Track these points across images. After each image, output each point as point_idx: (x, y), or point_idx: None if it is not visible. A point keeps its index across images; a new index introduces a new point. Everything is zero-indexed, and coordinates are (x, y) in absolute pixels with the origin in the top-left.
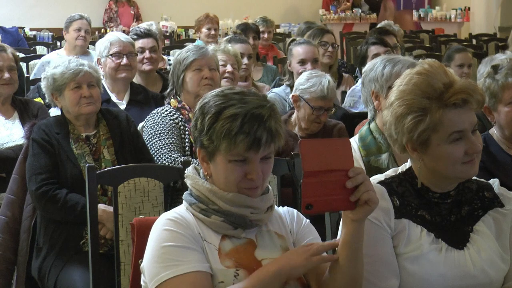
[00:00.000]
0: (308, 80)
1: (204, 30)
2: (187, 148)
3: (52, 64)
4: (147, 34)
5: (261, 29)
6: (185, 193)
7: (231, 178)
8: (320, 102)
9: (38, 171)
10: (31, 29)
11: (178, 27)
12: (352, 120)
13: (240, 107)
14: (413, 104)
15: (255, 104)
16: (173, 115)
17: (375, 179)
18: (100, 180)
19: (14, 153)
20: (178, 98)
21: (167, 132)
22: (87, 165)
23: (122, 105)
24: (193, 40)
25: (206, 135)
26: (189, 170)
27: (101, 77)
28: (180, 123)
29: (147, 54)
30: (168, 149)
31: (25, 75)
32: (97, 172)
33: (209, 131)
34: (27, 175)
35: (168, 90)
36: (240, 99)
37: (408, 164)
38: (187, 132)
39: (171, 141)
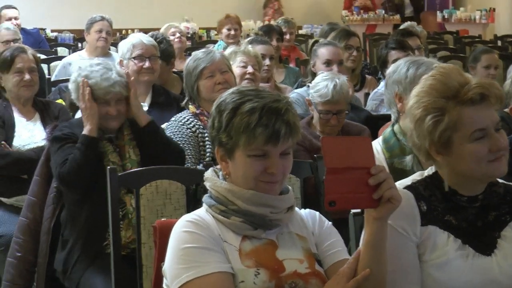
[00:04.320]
0: (317, 84)
1: (224, 30)
2: (207, 154)
3: (82, 67)
4: None
5: (283, 30)
6: (204, 195)
7: (250, 172)
8: (326, 106)
9: (62, 161)
10: (52, 31)
11: (200, 28)
12: (376, 123)
13: (257, 101)
14: (429, 105)
15: (271, 98)
16: (190, 123)
17: (401, 184)
18: (122, 183)
19: (36, 155)
20: (197, 104)
21: (183, 144)
22: (108, 167)
23: (144, 107)
24: (214, 42)
25: (224, 132)
26: (208, 173)
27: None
28: (197, 130)
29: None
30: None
31: (46, 76)
32: (119, 174)
33: (227, 127)
34: (53, 172)
35: (185, 101)
36: (256, 94)
37: (434, 167)
38: (206, 139)
39: (187, 153)
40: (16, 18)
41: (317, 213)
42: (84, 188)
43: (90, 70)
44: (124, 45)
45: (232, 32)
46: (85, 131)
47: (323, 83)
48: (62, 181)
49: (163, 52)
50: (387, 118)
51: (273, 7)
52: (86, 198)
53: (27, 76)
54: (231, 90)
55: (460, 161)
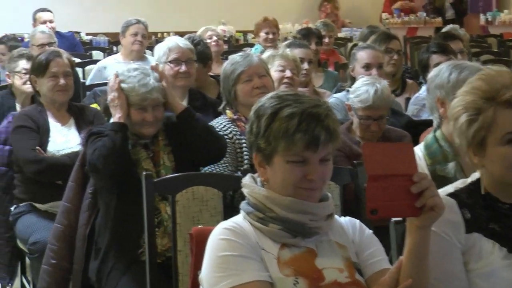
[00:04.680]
0: (357, 88)
1: (262, 34)
2: (245, 161)
3: (120, 72)
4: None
5: (322, 33)
6: (242, 202)
7: (289, 178)
8: (366, 112)
9: (93, 150)
10: (87, 34)
11: (236, 31)
12: (417, 128)
13: (296, 106)
14: (468, 104)
15: (311, 103)
16: (227, 129)
17: (444, 191)
18: (157, 189)
19: (70, 160)
20: (234, 109)
21: None
22: (144, 173)
23: None
24: (251, 45)
25: (263, 137)
26: (245, 179)
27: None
28: (234, 137)
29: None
30: (220, 169)
31: (81, 80)
32: (154, 180)
33: (266, 132)
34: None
35: (221, 106)
36: (295, 99)
37: (477, 174)
38: (243, 145)
39: (224, 160)
40: (51, 21)
41: (357, 221)
42: (113, 177)
43: (127, 75)
44: (160, 49)
45: (270, 35)
46: (114, 118)
47: (363, 88)
48: (92, 169)
49: (200, 54)
50: (428, 123)
51: (326, 10)
52: (120, 204)
53: (62, 81)
54: (270, 95)
55: (493, 164)
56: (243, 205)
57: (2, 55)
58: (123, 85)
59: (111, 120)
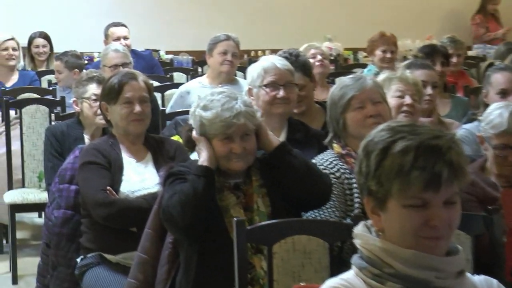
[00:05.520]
0: (488, 114)
1: (378, 52)
2: (356, 205)
3: (202, 97)
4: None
5: (448, 51)
6: (354, 256)
7: (407, 226)
8: (502, 139)
9: (170, 195)
10: (167, 52)
11: (345, 49)
12: None
13: (411, 138)
14: None
15: (430, 134)
16: (334, 166)
17: None
18: (250, 238)
19: (147, 203)
20: (342, 142)
21: None
22: (235, 219)
23: None
24: (363, 65)
25: (373, 178)
26: (358, 228)
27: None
28: (343, 176)
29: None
30: (326, 214)
31: (160, 108)
32: (248, 228)
33: (377, 171)
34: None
35: (328, 138)
36: (410, 130)
37: None
38: (354, 185)
39: (330, 204)
40: (125, 38)
41: (495, 281)
42: (191, 230)
43: (210, 99)
44: (254, 70)
45: (388, 54)
46: (200, 161)
47: (496, 112)
48: (166, 217)
49: (303, 65)
50: None
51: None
52: (204, 259)
53: (137, 108)
54: (381, 127)
55: None
56: (354, 259)
57: (59, 73)
58: (204, 113)
59: (198, 161)
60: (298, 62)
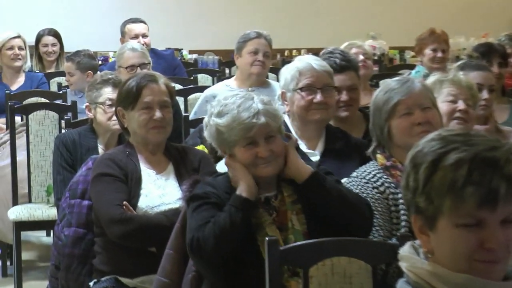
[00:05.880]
0: None
1: (427, 51)
2: (402, 223)
3: (214, 104)
4: (345, 67)
5: (507, 51)
6: (399, 280)
7: (460, 248)
8: None
9: (198, 224)
10: (190, 52)
11: (390, 48)
12: None
13: (465, 150)
14: None
15: (486, 145)
16: (377, 180)
17: None
18: (285, 260)
19: (168, 220)
20: (387, 152)
21: None
22: (267, 238)
23: (315, 157)
24: (411, 66)
25: (422, 194)
26: (404, 250)
27: (284, 116)
28: (387, 190)
29: (343, 96)
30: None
31: (183, 113)
32: (281, 248)
33: (426, 186)
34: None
35: (371, 148)
36: (464, 140)
37: None
38: (400, 201)
39: (373, 222)
40: (144, 36)
41: None
42: (219, 264)
43: (223, 104)
44: (287, 72)
45: (439, 53)
46: (238, 190)
47: None
48: (194, 250)
49: (355, 63)
50: None
51: None
52: (235, 282)
53: (157, 114)
54: (431, 136)
55: None
56: (400, 283)
57: (70, 75)
58: (220, 120)
59: (237, 191)
60: (347, 59)
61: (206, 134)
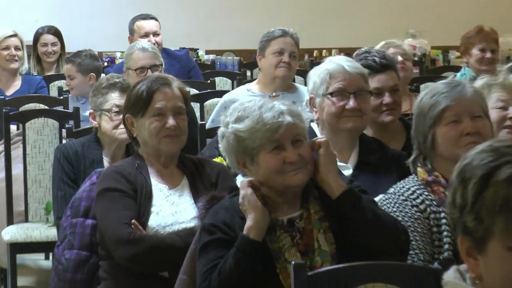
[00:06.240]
0: None
1: (475, 51)
2: (446, 246)
3: (228, 113)
4: (386, 66)
5: None
6: None
7: None
8: None
9: (205, 269)
10: (207, 52)
11: (432, 47)
12: None
13: None
14: None
15: None
16: (417, 197)
17: None
18: (312, 286)
19: (182, 241)
20: (429, 165)
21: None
22: (293, 262)
23: (347, 170)
24: (456, 68)
25: (470, 213)
26: (448, 275)
27: (313, 125)
28: (428, 209)
29: (386, 98)
30: (408, 257)
31: (199, 122)
32: (309, 274)
33: (475, 204)
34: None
35: (412, 157)
36: None
37: None
38: (443, 221)
39: (413, 245)
40: (156, 34)
41: None
42: None
43: (241, 109)
44: (316, 75)
45: (488, 54)
46: (246, 228)
47: None
48: None
49: (390, 61)
50: None
51: None
52: None
53: (170, 121)
54: (480, 148)
55: None
56: None
57: (71, 78)
58: (239, 125)
59: (244, 231)
60: (387, 58)
61: (221, 146)
